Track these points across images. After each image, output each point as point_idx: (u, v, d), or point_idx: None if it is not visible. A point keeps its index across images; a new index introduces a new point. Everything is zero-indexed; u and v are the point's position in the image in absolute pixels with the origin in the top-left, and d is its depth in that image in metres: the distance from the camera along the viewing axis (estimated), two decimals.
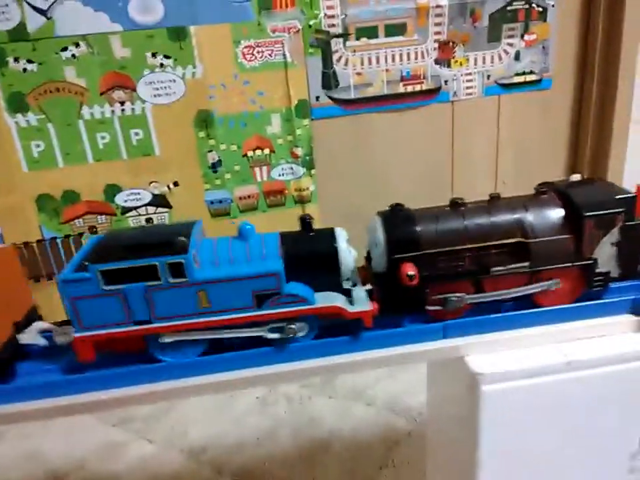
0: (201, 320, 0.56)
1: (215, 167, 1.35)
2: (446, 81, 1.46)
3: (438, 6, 1.38)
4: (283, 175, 1.42)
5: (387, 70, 1.42)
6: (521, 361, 0.59)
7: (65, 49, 1.19)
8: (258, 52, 1.31)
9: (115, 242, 0.57)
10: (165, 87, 1.27)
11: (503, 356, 0.60)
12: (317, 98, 1.39)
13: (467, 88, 1.48)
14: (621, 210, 0.60)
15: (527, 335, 0.61)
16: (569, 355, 0.60)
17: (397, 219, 0.61)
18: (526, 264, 0.60)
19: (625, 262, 0.62)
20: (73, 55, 1.21)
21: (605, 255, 0.62)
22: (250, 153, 1.37)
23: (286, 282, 0.57)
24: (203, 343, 0.59)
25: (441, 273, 0.60)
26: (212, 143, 1.33)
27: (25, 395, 0.57)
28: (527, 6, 1.43)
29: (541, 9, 1.45)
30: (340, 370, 0.62)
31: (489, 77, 1.48)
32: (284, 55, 1.32)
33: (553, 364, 0.59)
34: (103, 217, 1.31)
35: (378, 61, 1.40)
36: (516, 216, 0.61)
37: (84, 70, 1.22)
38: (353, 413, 1.06)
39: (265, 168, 1.40)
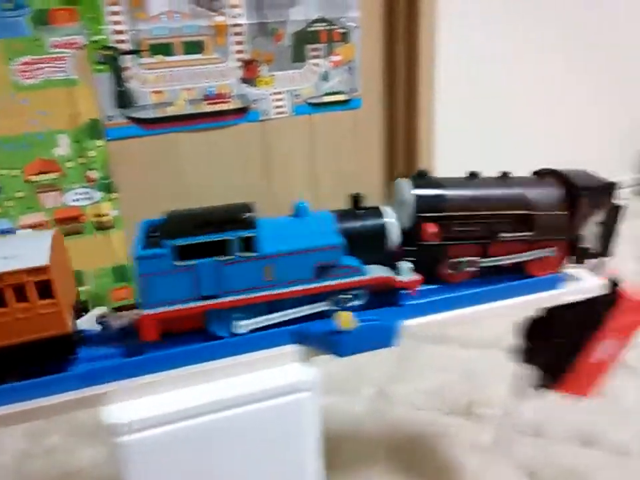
0: (266, 293, 0.58)
1: None
2: (255, 100, 1.44)
3: (236, 25, 1.36)
4: (77, 200, 1.32)
5: (188, 88, 1.37)
6: (164, 406, 0.54)
7: None
8: (37, 69, 1.21)
9: (182, 219, 0.57)
10: None
11: (145, 402, 0.55)
12: (110, 117, 1.31)
13: (277, 107, 1.47)
14: (609, 192, 0.68)
15: (178, 375, 0.56)
16: (220, 394, 0.55)
17: (424, 182, 0.67)
18: (530, 233, 0.67)
19: (604, 241, 0.71)
20: None
21: (591, 232, 0.70)
22: (34, 178, 1.26)
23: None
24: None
25: (457, 235, 0.66)
26: None
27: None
28: (328, 27, 1.45)
29: (343, 31, 1.47)
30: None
31: (297, 96, 1.48)
32: (67, 72, 1.24)
33: (201, 405, 0.55)
34: None
35: (178, 79, 1.35)
36: (523, 191, 0.68)
37: None
38: None
39: (55, 193, 1.29)
